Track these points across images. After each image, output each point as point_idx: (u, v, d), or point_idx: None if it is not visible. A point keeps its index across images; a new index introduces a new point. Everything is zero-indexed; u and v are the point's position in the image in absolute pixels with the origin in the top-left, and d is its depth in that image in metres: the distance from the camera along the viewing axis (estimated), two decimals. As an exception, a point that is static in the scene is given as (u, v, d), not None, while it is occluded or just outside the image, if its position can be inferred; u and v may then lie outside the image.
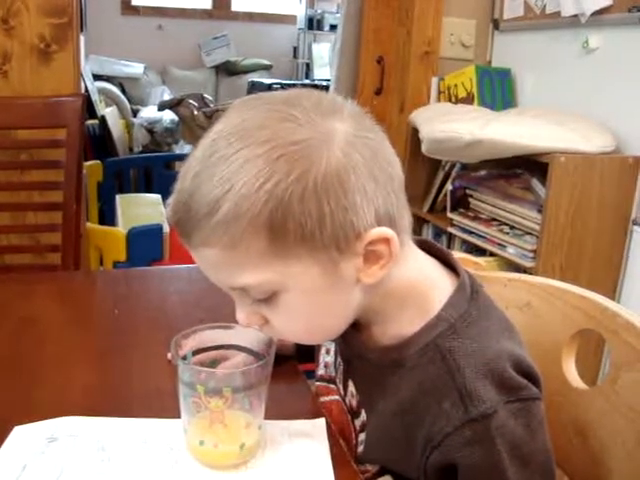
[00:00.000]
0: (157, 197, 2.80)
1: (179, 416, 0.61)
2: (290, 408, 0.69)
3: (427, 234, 2.20)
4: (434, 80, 2.26)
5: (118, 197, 2.80)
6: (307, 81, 5.17)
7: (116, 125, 3.70)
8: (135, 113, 4.14)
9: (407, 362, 0.60)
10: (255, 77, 4.94)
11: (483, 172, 1.93)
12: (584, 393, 0.70)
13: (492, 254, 1.83)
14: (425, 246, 0.65)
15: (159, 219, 2.35)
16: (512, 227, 1.78)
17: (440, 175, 2.14)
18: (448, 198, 2.01)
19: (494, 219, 1.85)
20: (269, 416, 0.62)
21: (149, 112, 4.04)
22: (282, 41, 5.41)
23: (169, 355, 0.69)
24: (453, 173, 2.04)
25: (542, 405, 0.58)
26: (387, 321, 0.62)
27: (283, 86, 4.22)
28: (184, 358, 0.61)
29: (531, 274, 1.43)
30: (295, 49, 5.47)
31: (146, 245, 2.20)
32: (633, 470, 0.63)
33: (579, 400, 0.70)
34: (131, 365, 0.78)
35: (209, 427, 0.59)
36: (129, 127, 3.97)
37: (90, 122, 3.41)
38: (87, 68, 3.78)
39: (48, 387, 0.72)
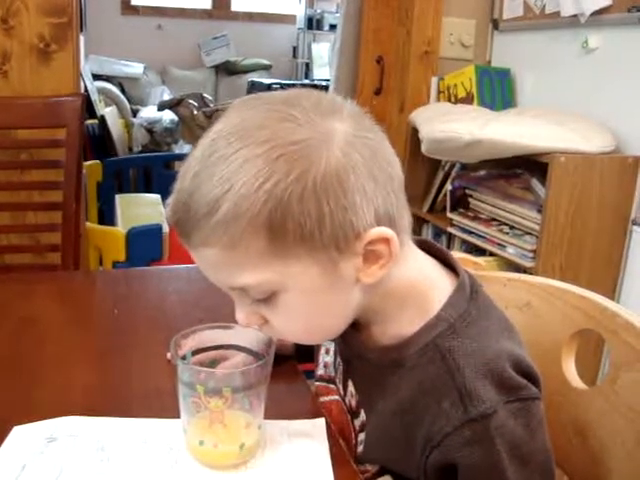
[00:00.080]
0: (157, 197, 2.80)
1: (179, 416, 0.61)
2: (290, 408, 0.69)
3: (427, 234, 2.20)
4: (434, 80, 2.26)
5: (118, 197, 2.80)
6: (307, 81, 5.17)
7: (116, 125, 3.70)
8: (135, 113, 4.14)
9: (407, 362, 0.60)
10: (255, 77, 4.94)
11: (483, 172, 1.93)
12: (584, 393, 0.70)
13: (492, 254, 1.83)
14: (425, 246, 0.65)
15: (159, 219, 2.35)
16: (512, 227, 1.78)
17: (440, 175, 2.14)
18: (448, 198, 2.01)
19: (494, 219, 1.85)
20: (269, 416, 0.62)
21: (149, 112, 4.04)
22: (282, 41, 5.41)
23: (168, 355, 0.69)
24: (453, 173, 2.04)
25: (542, 405, 0.58)
26: (387, 321, 0.62)
27: (283, 86, 4.22)
28: (183, 358, 0.61)
29: (531, 274, 1.43)
30: (295, 49, 5.46)
31: (145, 245, 2.20)
32: (633, 470, 0.63)
33: (579, 400, 0.70)
34: (131, 365, 0.78)
35: (209, 427, 0.59)
36: (129, 127, 3.97)
37: (90, 122, 3.41)
38: (87, 68, 3.78)
39: (48, 387, 0.72)
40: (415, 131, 1.98)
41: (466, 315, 0.59)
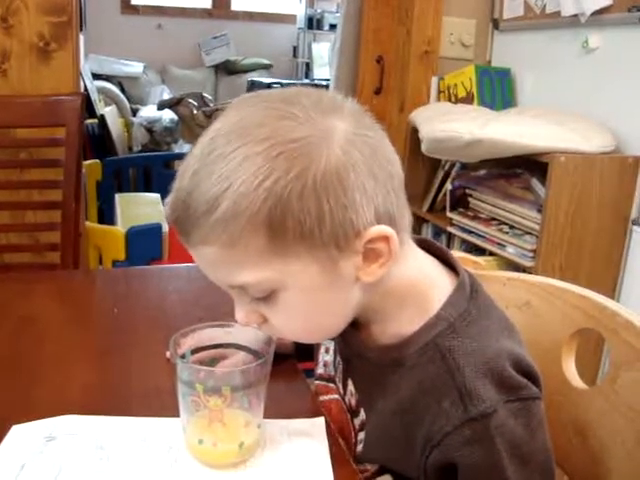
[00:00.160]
0: (156, 196, 2.79)
1: (178, 415, 0.61)
2: (289, 407, 0.69)
3: (426, 233, 2.20)
4: (434, 80, 2.25)
5: (117, 196, 2.79)
6: (307, 80, 5.17)
7: (115, 124, 3.70)
8: (134, 112, 4.14)
9: (407, 361, 0.59)
10: (255, 76, 4.94)
11: (483, 172, 1.93)
12: (584, 392, 0.70)
13: (492, 254, 1.82)
14: (425, 245, 0.65)
15: (158, 218, 2.35)
16: (512, 227, 1.78)
17: (440, 174, 2.14)
18: (448, 197, 2.01)
19: (494, 219, 1.85)
20: (268, 415, 0.62)
21: (148, 111, 4.04)
22: (282, 40, 5.41)
23: (168, 354, 0.69)
24: (453, 172, 2.04)
25: (542, 404, 0.58)
26: (386, 320, 0.62)
27: (283, 85, 4.21)
28: (183, 357, 0.61)
29: (531, 274, 1.43)
30: (295, 48, 5.46)
31: (145, 244, 2.20)
32: (633, 469, 0.63)
33: (579, 399, 0.70)
34: (130, 364, 0.78)
35: (208, 426, 0.59)
36: (128, 126, 3.96)
37: (89, 121, 3.41)
38: (86, 67, 3.78)
39: (47, 386, 0.72)
40: (415, 131, 1.98)
41: (466, 314, 0.59)
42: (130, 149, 3.86)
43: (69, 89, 1.67)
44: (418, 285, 0.61)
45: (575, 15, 1.83)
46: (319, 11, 5.29)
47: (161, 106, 3.85)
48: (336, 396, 0.70)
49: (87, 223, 2.21)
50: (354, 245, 0.54)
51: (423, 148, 1.87)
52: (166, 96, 4.28)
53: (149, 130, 3.86)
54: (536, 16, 2.03)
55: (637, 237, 1.69)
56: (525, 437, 0.56)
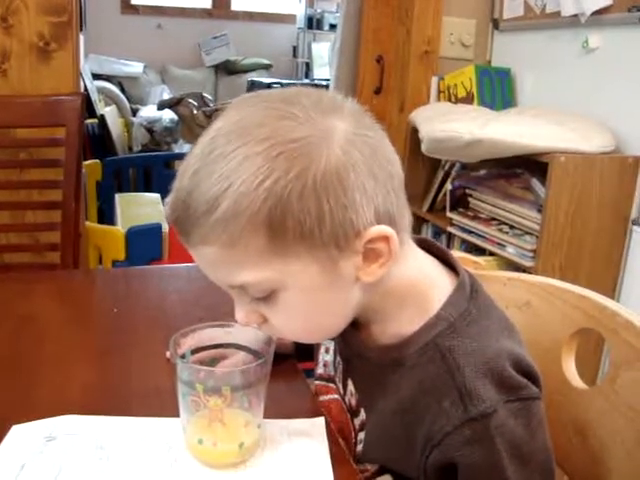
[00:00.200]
0: (156, 196, 2.80)
1: (178, 415, 0.61)
2: (289, 407, 0.69)
3: (426, 233, 2.20)
4: (434, 79, 2.25)
5: (117, 196, 2.80)
6: (307, 80, 5.17)
7: (115, 124, 3.70)
8: (134, 112, 4.14)
9: (407, 361, 0.59)
10: (255, 76, 4.94)
11: (483, 172, 1.93)
12: (584, 392, 0.70)
13: (492, 254, 1.82)
14: (425, 245, 0.65)
15: (158, 218, 2.35)
16: (512, 227, 1.78)
17: (440, 174, 2.14)
18: (448, 197, 2.01)
19: (494, 219, 1.85)
20: (268, 415, 0.62)
21: (148, 111, 4.04)
22: (282, 40, 5.41)
23: (168, 354, 0.69)
24: (453, 172, 2.04)
25: (542, 404, 0.58)
26: (387, 320, 0.62)
27: (283, 85, 4.21)
28: (183, 357, 0.61)
29: (531, 274, 1.43)
30: (295, 48, 5.46)
31: (145, 244, 2.20)
32: (633, 469, 0.63)
33: (579, 399, 0.70)
34: (130, 364, 0.78)
35: (208, 426, 0.59)
36: (128, 126, 3.96)
37: (89, 121, 3.41)
38: (86, 67, 3.78)
39: (47, 386, 0.72)
40: (415, 131, 1.98)
41: (466, 314, 0.59)
42: (130, 149, 3.86)
43: (69, 89, 1.67)
44: (418, 285, 0.61)
45: (575, 15, 1.82)
46: (319, 11, 5.29)
47: (161, 106, 3.85)
48: (336, 396, 0.70)
49: (87, 223, 2.21)
50: (354, 245, 0.54)
51: (423, 148, 1.87)
52: (166, 96, 4.28)
53: (149, 130, 3.86)
54: (536, 16, 2.03)
55: (637, 237, 1.69)
56: (525, 437, 0.56)
